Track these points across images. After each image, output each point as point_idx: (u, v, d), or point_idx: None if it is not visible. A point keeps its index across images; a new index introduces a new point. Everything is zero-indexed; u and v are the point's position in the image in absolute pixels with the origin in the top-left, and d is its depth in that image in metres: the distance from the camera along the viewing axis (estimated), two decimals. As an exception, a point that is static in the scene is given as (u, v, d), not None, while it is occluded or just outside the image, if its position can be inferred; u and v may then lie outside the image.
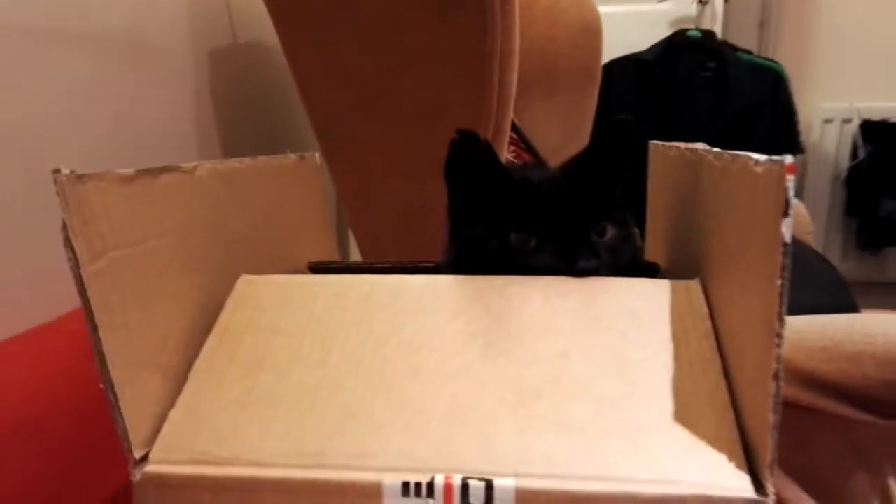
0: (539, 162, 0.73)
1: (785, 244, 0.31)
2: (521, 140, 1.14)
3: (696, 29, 2.23)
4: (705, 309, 0.42)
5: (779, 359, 0.31)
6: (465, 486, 0.35)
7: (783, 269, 0.31)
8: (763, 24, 2.52)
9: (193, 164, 0.47)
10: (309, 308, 0.45)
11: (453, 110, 0.88)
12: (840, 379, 0.75)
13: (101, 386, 0.35)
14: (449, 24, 0.84)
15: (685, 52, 2.21)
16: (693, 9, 2.34)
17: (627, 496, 0.33)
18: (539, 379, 0.39)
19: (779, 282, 0.31)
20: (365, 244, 1.02)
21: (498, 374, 0.40)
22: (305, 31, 0.94)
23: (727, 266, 0.40)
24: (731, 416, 0.37)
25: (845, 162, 2.47)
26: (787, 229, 0.31)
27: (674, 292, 0.44)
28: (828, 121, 2.49)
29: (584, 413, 0.37)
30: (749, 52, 2.25)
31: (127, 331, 0.37)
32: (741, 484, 0.34)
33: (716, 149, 0.44)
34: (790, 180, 0.31)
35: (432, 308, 0.44)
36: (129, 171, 0.40)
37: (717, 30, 2.30)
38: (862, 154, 2.41)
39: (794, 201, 1.09)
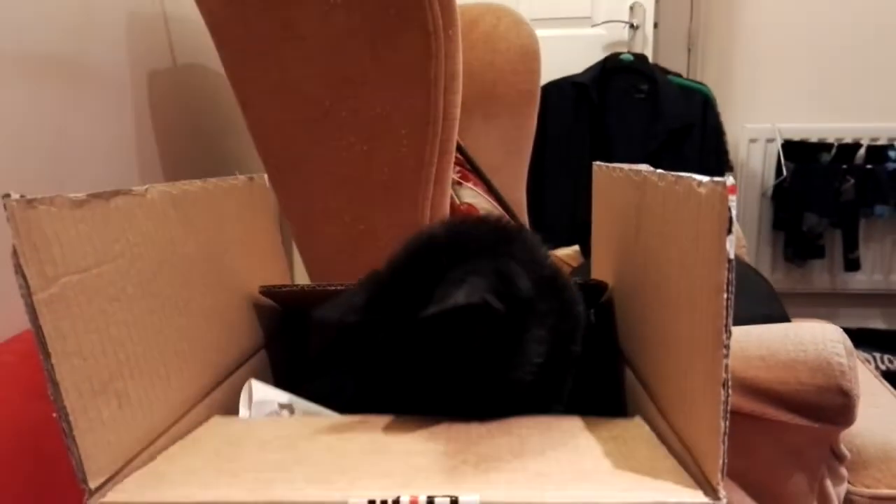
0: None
1: (729, 260, 0.33)
2: (466, 160, 1.15)
3: (629, 52, 2.30)
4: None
5: (727, 368, 0.33)
6: (430, 502, 0.35)
7: (728, 283, 0.33)
8: (691, 49, 2.62)
9: (145, 187, 0.46)
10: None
11: (398, 132, 0.89)
12: (776, 386, 0.79)
13: (55, 415, 0.34)
14: (393, 46, 0.85)
15: (619, 74, 2.28)
16: (625, 33, 2.41)
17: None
18: (495, 450, 0.41)
19: (724, 296, 0.33)
20: (311, 265, 1.01)
21: (459, 447, 0.41)
22: (248, 52, 0.93)
23: (674, 281, 0.41)
24: (664, 450, 0.40)
25: (771, 179, 2.58)
26: (730, 246, 0.33)
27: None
28: (753, 140, 2.60)
29: (538, 466, 0.39)
30: (679, 75, 2.33)
31: (80, 358, 0.36)
32: (694, 491, 0.35)
33: (659, 170, 0.46)
34: (732, 200, 0.33)
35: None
36: (81, 194, 0.39)
37: (649, 53, 2.38)
38: (785, 172, 2.52)
39: None
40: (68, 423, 0.35)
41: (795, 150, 2.53)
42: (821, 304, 2.73)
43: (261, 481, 0.38)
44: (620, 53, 2.27)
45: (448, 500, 0.35)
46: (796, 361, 0.78)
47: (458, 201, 1.03)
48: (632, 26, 2.41)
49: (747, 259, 2.42)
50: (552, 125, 2.31)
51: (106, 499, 0.36)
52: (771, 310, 1.07)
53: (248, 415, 0.50)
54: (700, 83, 2.32)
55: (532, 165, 2.16)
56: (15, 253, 0.33)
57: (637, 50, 2.37)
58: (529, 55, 1.59)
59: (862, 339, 2.52)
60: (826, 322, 1.27)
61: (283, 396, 0.52)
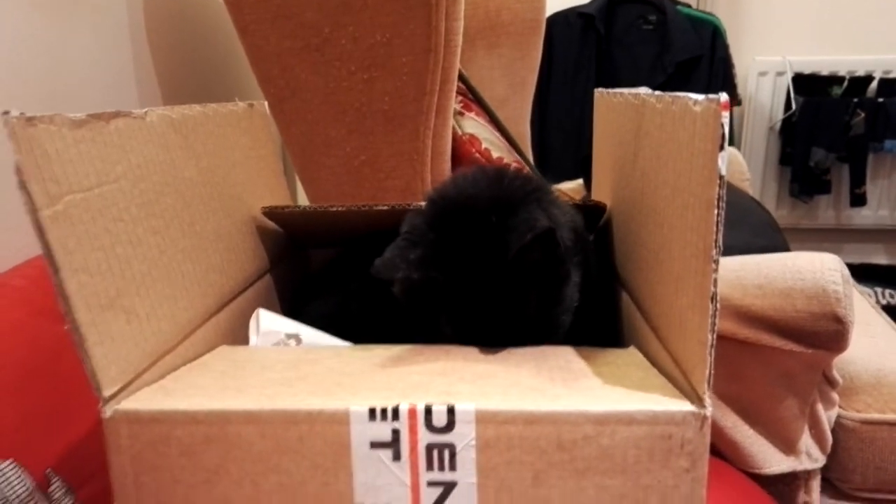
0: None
1: (721, 176, 0.33)
2: (468, 90, 1.14)
3: (637, -18, 2.24)
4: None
5: (715, 282, 0.34)
6: (428, 410, 0.37)
7: (719, 199, 0.33)
8: (701, -23, 2.55)
9: (144, 110, 0.46)
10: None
11: (399, 60, 0.87)
12: (772, 313, 0.80)
13: (66, 327, 0.36)
14: (393, -30, 0.84)
15: (626, 4, 2.24)
16: (634, -39, 2.35)
17: (579, 413, 0.36)
18: (491, 370, 0.43)
19: (715, 211, 0.33)
20: (311, 191, 1.01)
21: (457, 367, 0.43)
22: (246, -22, 0.91)
23: (668, 201, 0.42)
24: (655, 371, 0.41)
25: (779, 113, 2.55)
26: (722, 163, 0.33)
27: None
28: (762, 74, 2.55)
29: (531, 382, 0.41)
30: (688, 6, 2.28)
31: (87, 274, 0.37)
32: (681, 401, 0.37)
33: (658, 92, 0.45)
34: (725, 116, 0.33)
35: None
36: (80, 115, 0.39)
37: (657, -17, 2.32)
38: (794, 106, 2.49)
39: (731, 150, 1.13)
40: (80, 335, 0.36)
41: (805, 84, 2.49)
42: (825, 240, 2.73)
43: (265, 395, 0.39)
44: (628, -17, 2.22)
45: (445, 408, 0.37)
46: (793, 289, 0.79)
47: (459, 132, 1.02)
48: (641, -46, 2.34)
49: (751, 192, 2.41)
50: (557, 57, 2.28)
51: (120, 406, 0.38)
52: (771, 240, 1.07)
53: (256, 343, 0.52)
54: (710, 14, 2.28)
55: (537, 98, 2.14)
56: (19, 170, 0.34)
57: (646, -21, 2.31)
58: (534, -18, 1.55)
59: (864, 273, 2.54)
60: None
61: (290, 326, 0.53)
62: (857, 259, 2.66)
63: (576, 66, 2.28)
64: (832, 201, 2.60)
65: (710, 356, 0.35)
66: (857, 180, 2.52)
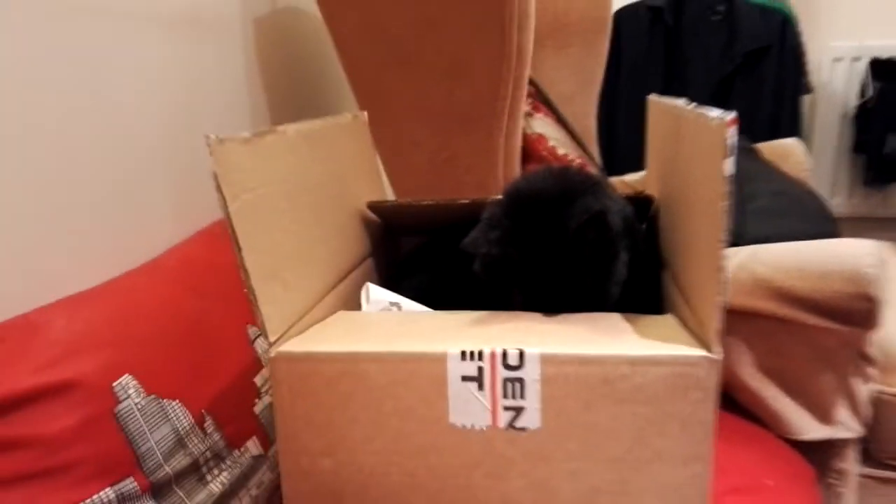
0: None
1: (727, 177, 0.44)
2: (537, 93, 1.25)
3: (706, -27, 2.26)
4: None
5: (723, 257, 0.45)
6: (504, 354, 0.49)
7: (726, 195, 0.44)
8: (773, -36, 2.54)
9: (283, 126, 0.60)
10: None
11: (476, 70, 1.00)
12: (811, 294, 0.89)
13: (245, 290, 0.50)
14: (471, -10, 0.96)
15: None
16: (702, -47, 2.37)
17: (619, 356, 0.48)
18: (553, 329, 0.55)
19: (722, 203, 0.44)
20: (398, 187, 1.15)
21: (527, 326, 0.56)
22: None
23: (697, 196, 0.53)
24: (683, 330, 0.52)
25: (854, 100, 2.53)
26: (729, 167, 0.44)
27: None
28: (837, 59, 2.53)
29: (584, 335, 0.53)
30: None
31: (258, 253, 0.51)
32: (697, 349, 0.48)
33: (691, 104, 0.56)
34: (732, 131, 0.44)
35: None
36: (247, 134, 0.53)
37: (725, -26, 2.34)
38: (870, 92, 2.47)
39: (791, 142, 1.22)
40: (254, 296, 0.50)
41: (883, 69, 2.46)
42: (900, 230, 2.69)
43: (382, 342, 0.53)
44: (697, -25, 2.25)
45: (517, 351, 0.49)
46: (831, 272, 0.88)
47: (529, 131, 1.13)
48: (709, -55, 2.37)
49: (820, 181, 2.42)
50: (626, 50, 2.32)
51: (281, 349, 0.52)
52: (821, 228, 1.14)
53: (367, 309, 0.66)
54: (780, 1, 2.28)
55: (607, 91, 2.21)
56: (215, 176, 0.48)
57: (714, -30, 2.33)
58: (601, -18, 1.63)
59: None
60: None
61: (392, 297, 0.67)
62: (932, 249, 2.62)
63: (645, 59, 2.33)
64: (908, 191, 2.57)
65: (720, 313, 0.46)
66: (934, 169, 2.48)
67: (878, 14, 2.52)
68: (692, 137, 0.54)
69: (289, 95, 1.25)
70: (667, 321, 0.56)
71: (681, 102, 0.60)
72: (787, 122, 2.24)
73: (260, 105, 1.15)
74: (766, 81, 2.22)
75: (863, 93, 2.49)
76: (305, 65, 1.33)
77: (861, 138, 2.56)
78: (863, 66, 2.48)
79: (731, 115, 0.45)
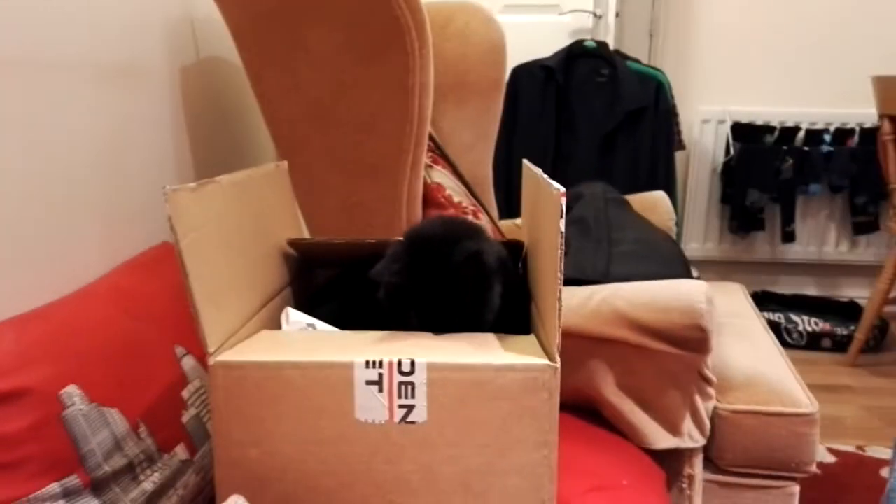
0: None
1: (561, 233, 0.61)
2: (436, 147, 1.42)
3: (592, 40, 2.52)
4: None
5: (559, 291, 0.61)
6: (399, 363, 0.64)
7: (561, 245, 0.61)
8: (652, 35, 2.85)
9: (221, 177, 0.73)
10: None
11: (383, 127, 1.15)
12: (656, 324, 1.08)
13: (191, 310, 0.62)
14: (379, 61, 1.11)
15: (582, 59, 2.50)
16: (589, 21, 2.65)
17: (487, 364, 0.64)
18: (437, 344, 0.71)
19: (558, 251, 0.61)
20: (312, 226, 1.28)
21: (417, 342, 0.71)
22: (265, 58, 1.18)
23: (541, 244, 0.70)
24: (538, 346, 0.68)
25: (721, 157, 2.85)
26: (562, 225, 0.60)
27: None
28: (706, 121, 2.85)
29: (460, 348, 0.69)
30: (637, 61, 2.55)
31: (200, 280, 0.64)
32: (543, 359, 0.64)
33: (545, 176, 0.73)
34: (563, 200, 0.60)
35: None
36: (193, 184, 0.66)
37: (610, 41, 2.61)
38: (732, 151, 2.79)
39: (659, 195, 1.47)
40: (197, 315, 0.62)
41: (743, 131, 2.78)
42: (763, 272, 3.00)
43: (301, 353, 0.66)
44: (584, 40, 2.49)
45: (409, 361, 0.64)
46: (671, 307, 1.08)
47: (429, 181, 1.29)
48: (595, 15, 2.64)
49: (691, 229, 2.70)
50: (522, 104, 2.53)
51: (218, 359, 0.64)
52: (673, 271, 1.35)
53: (287, 329, 0.79)
54: (656, 69, 2.53)
55: (506, 140, 2.40)
56: (169, 218, 0.61)
57: (600, 37, 2.60)
58: (497, 49, 1.83)
59: (796, 304, 2.82)
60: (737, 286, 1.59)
61: (309, 319, 0.81)
62: (790, 290, 2.93)
63: (539, 113, 2.54)
64: (767, 238, 2.88)
65: (558, 332, 0.62)
66: (787, 219, 2.81)
67: (740, 84, 2.87)
68: (543, 200, 0.71)
69: (211, 139, 1.36)
70: (528, 339, 0.72)
71: (538, 171, 0.78)
72: (664, 174, 2.50)
73: (183, 148, 1.25)
74: (644, 138, 2.47)
75: (727, 151, 2.82)
76: (227, 112, 1.45)
77: (727, 191, 2.88)
78: (727, 127, 2.81)
79: (562, 190, 0.62)
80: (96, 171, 0.99)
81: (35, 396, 0.70)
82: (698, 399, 1.16)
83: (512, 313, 0.80)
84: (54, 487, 0.69)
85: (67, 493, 0.70)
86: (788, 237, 2.83)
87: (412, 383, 0.64)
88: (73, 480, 0.70)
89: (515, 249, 0.90)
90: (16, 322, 0.77)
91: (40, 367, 0.72)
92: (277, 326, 0.80)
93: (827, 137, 2.73)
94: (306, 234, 1.16)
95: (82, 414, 0.73)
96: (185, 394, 0.88)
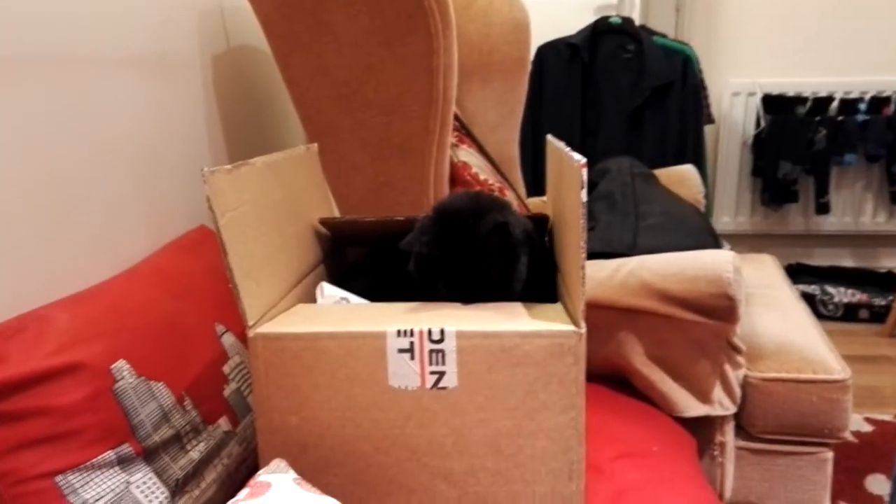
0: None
1: (583, 203, 0.62)
2: (461, 126, 1.44)
3: (617, 15, 2.49)
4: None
5: (583, 261, 0.63)
6: (430, 331, 0.67)
7: (583, 214, 0.63)
8: (679, 9, 2.81)
9: (255, 159, 0.76)
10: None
11: (409, 108, 1.17)
12: (684, 294, 1.09)
13: (230, 286, 0.65)
14: (403, 43, 1.13)
15: (608, 35, 2.48)
16: (614, -2, 2.62)
17: (513, 331, 0.66)
18: (466, 314, 0.73)
19: (581, 221, 0.63)
20: (342, 205, 1.31)
21: (448, 312, 0.73)
22: (292, 43, 1.21)
23: (565, 214, 0.71)
24: (564, 313, 0.70)
25: (751, 130, 2.81)
26: (584, 196, 0.62)
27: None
28: (735, 94, 2.81)
29: (489, 317, 0.71)
30: (664, 36, 2.52)
31: (238, 257, 0.67)
32: (569, 325, 0.66)
33: (566, 149, 0.75)
34: (584, 171, 0.62)
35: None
36: (228, 166, 0.69)
37: (636, 16, 2.58)
38: (763, 123, 2.76)
39: (687, 168, 1.48)
40: (237, 290, 0.66)
41: (773, 104, 2.74)
42: (797, 245, 2.96)
43: (336, 324, 0.69)
44: (609, 16, 2.47)
45: (439, 329, 0.66)
46: (699, 277, 1.09)
47: (455, 160, 1.32)
48: (620, -9, 2.62)
49: (723, 203, 2.68)
50: (548, 82, 2.53)
51: (257, 331, 0.68)
52: (700, 243, 1.36)
53: (321, 302, 0.82)
54: (683, 43, 2.50)
55: (532, 118, 2.40)
56: (208, 199, 0.64)
57: (625, 13, 2.57)
58: (521, 28, 1.83)
59: (832, 275, 2.79)
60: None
61: (343, 293, 0.84)
62: (826, 262, 2.89)
63: (565, 91, 2.53)
64: (801, 209, 2.84)
65: (583, 299, 0.64)
66: (821, 190, 2.76)
67: (770, 55, 2.82)
68: (566, 172, 0.73)
69: (243, 126, 1.40)
70: (554, 307, 0.74)
71: (561, 145, 0.79)
72: (692, 149, 2.48)
73: (216, 134, 1.29)
74: (671, 113, 2.45)
75: (758, 124, 2.78)
76: (257, 98, 1.48)
77: (758, 164, 2.84)
78: (757, 100, 2.77)
79: (583, 161, 0.63)
80: (137, 160, 1.03)
81: (89, 370, 0.74)
82: (728, 367, 1.17)
83: (539, 285, 0.83)
84: (109, 455, 0.73)
85: (122, 461, 0.74)
86: (822, 209, 2.79)
87: (442, 351, 0.66)
88: (126, 449, 0.74)
89: (541, 223, 0.92)
90: (69, 302, 0.81)
91: (92, 344, 0.76)
92: (312, 301, 0.83)
93: (862, 106, 2.67)
94: (337, 214, 1.20)
95: (132, 387, 0.77)
96: (225, 369, 0.92)
